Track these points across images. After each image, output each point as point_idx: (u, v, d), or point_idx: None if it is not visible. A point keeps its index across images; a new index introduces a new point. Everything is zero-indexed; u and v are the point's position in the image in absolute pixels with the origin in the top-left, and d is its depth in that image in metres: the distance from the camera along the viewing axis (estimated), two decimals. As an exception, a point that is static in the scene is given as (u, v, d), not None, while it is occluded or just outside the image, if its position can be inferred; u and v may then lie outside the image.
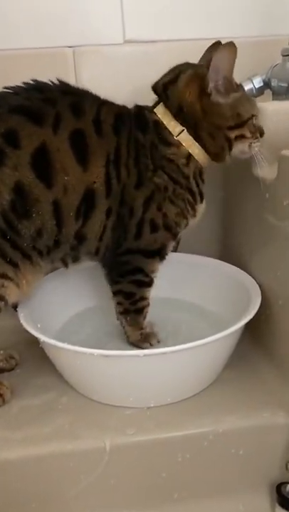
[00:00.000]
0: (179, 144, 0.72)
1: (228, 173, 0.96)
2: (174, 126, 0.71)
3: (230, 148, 0.73)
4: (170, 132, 0.71)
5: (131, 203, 0.71)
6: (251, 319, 0.71)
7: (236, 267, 0.88)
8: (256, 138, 0.74)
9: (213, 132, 0.71)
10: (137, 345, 0.81)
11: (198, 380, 0.73)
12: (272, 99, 0.89)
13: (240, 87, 0.73)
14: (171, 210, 0.73)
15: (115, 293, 0.78)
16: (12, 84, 0.69)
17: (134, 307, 0.78)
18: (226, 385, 0.74)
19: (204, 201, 0.77)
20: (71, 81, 0.91)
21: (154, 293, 0.80)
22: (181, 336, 0.84)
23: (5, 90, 0.68)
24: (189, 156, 0.73)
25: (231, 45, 0.67)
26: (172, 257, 0.80)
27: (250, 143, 0.73)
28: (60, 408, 0.72)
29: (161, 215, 0.73)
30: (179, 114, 0.71)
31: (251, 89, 0.88)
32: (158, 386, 0.70)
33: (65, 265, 0.76)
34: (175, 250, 0.81)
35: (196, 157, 0.73)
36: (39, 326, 0.74)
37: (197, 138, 0.72)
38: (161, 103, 0.73)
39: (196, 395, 0.72)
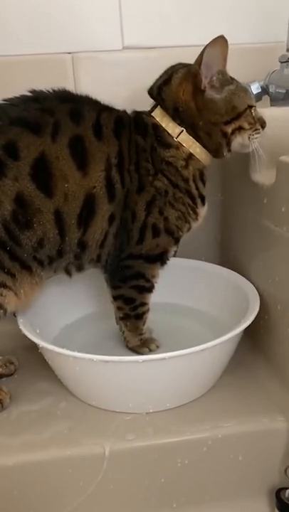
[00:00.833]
0: (178, 146, 0.72)
1: (227, 177, 0.96)
2: (173, 128, 0.72)
3: (229, 144, 0.72)
4: (169, 134, 0.72)
5: (133, 207, 0.71)
6: (250, 324, 0.71)
7: (235, 272, 0.88)
8: (256, 129, 0.73)
9: (210, 129, 0.71)
10: (135, 350, 0.81)
11: (197, 385, 0.73)
12: (271, 105, 0.89)
13: (234, 79, 0.72)
14: (172, 214, 0.73)
15: (116, 298, 0.78)
16: (11, 90, 0.69)
17: (135, 312, 0.78)
18: (225, 391, 0.74)
19: (206, 204, 0.77)
20: (70, 87, 0.91)
21: (153, 298, 0.80)
22: (180, 341, 0.83)
23: (3, 102, 0.68)
24: (188, 158, 0.73)
25: (221, 39, 0.66)
26: (171, 262, 0.80)
27: (250, 135, 0.72)
28: (59, 414, 0.72)
29: (162, 219, 0.73)
30: (176, 115, 0.71)
31: (249, 95, 0.89)
32: (157, 391, 0.70)
33: (69, 275, 0.76)
34: (174, 255, 0.81)
35: (197, 156, 0.73)
36: (38, 331, 0.74)
37: (197, 137, 0.72)
38: (158, 106, 0.73)
39: (195, 400, 0.72)
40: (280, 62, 0.86)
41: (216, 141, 0.72)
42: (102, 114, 0.70)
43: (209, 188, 0.80)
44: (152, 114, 0.73)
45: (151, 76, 0.76)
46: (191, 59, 0.75)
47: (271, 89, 0.87)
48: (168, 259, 0.77)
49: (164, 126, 0.72)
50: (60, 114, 0.67)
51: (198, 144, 0.72)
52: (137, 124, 0.72)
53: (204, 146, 0.73)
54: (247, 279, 0.84)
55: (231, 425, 0.68)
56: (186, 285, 0.94)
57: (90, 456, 0.66)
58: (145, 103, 0.75)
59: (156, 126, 0.72)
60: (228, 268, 0.90)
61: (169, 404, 0.71)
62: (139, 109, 0.75)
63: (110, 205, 0.70)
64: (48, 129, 0.66)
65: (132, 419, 0.69)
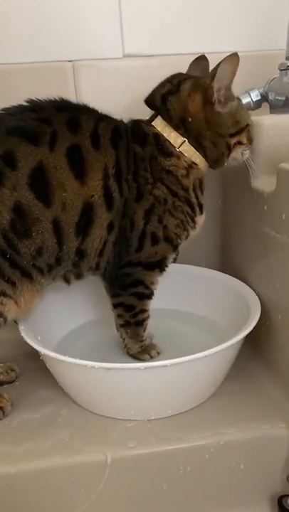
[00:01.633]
0: (179, 155, 0.73)
1: (227, 184, 0.97)
2: (175, 138, 0.72)
3: (229, 155, 0.75)
4: (171, 144, 0.72)
5: (132, 216, 0.71)
6: (251, 330, 0.72)
7: (235, 278, 0.88)
8: (248, 146, 0.76)
9: (216, 140, 0.73)
10: (136, 357, 0.81)
11: (199, 392, 0.73)
12: (270, 113, 0.90)
13: (234, 96, 0.74)
14: (171, 222, 0.74)
15: (116, 305, 0.78)
16: (13, 98, 0.70)
17: (135, 319, 0.78)
18: (227, 397, 0.74)
19: (204, 212, 0.78)
20: (71, 95, 0.93)
21: (154, 304, 0.80)
22: (182, 347, 0.84)
23: (0, 112, 0.69)
24: (189, 167, 0.74)
25: (235, 56, 0.68)
26: (171, 268, 0.80)
27: (243, 150, 0.76)
28: (61, 421, 0.72)
29: (161, 227, 0.73)
30: (180, 125, 0.72)
31: (249, 103, 0.89)
32: (159, 398, 0.70)
33: (67, 282, 0.76)
34: (174, 261, 0.82)
35: (198, 165, 0.74)
36: (39, 338, 0.74)
37: (199, 147, 0.73)
38: (159, 116, 0.73)
39: (196, 407, 0.72)
40: (279, 70, 0.86)
41: (219, 152, 0.74)
42: (99, 124, 0.70)
43: (209, 195, 0.81)
44: (153, 123, 0.73)
45: (152, 84, 0.76)
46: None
47: (271, 96, 0.88)
48: (167, 266, 0.78)
49: (165, 135, 0.72)
50: (57, 124, 0.68)
51: (198, 153, 0.73)
52: (134, 133, 0.73)
53: (204, 156, 0.74)
54: (248, 285, 0.84)
55: (233, 432, 0.68)
56: (186, 291, 0.94)
57: (91, 463, 0.66)
58: (146, 111, 0.76)
59: (158, 136, 0.72)
60: (229, 274, 0.90)
61: (170, 411, 0.71)
62: (140, 116, 0.75)
63: (109, 214, 0.70)
64: (45, 139, 0.66)
65: (133, 426, 0.69)
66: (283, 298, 0.73)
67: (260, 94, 0.89)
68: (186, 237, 0.77)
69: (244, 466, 0.69)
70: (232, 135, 0.74)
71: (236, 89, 0.82)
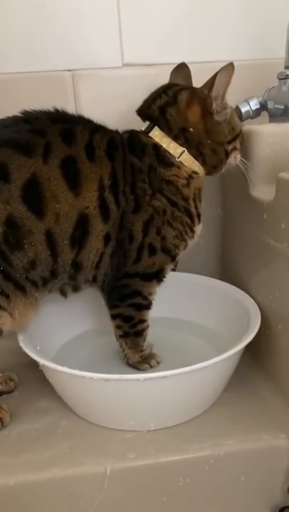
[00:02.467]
0: (180, 165, 0.73)
1: (227, 192, 0.97)
2: (174, 148, 0.72)
3: (226, 161, 0.76)
4: (171, 154, 0.72)
5: (130, 228, 0.71)
6: (251, 340, 0.71)
7: (235, 287, 0.88)
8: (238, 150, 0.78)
9: (216, 148, 0.74)
10: (136, 366, 0.80)
11: (199, 402, 0.72)
12: (269, 121, 0.90)
13: (227, 104, 0.75)
14: (170, 233, 0.74)
15: (114, 317, 0.78)
16: (12, 107, 0.70)
17: (134, 330, 0.78)
18: (227, 408, 0.74)
19: (201, 222, 0.78)
20: (70, 104, 0.93)
21: (153, 313, 0.80)
22: (181, 356, 0.84)
23: None
24: (190, 177, 0.74)
25: (231, 66, 0.69)
26: (171, 277, 0.80)
27: (235, 155, 0.77)
28: (60, 432, 0.71)
29: (160, 238, 0.73)
30: (180, 135, 0.72)
31: (248, 111, 0.90)
32: (158, 409, 0.69)
33: (64, 295, 0.76)
34: (174, 270, 0.81)
35: (199, 174, 0.74)
36: (38, 348, 0.73)
37: (198, 155, 0.73)
38: (156, 126, 0.73)
39: (196, 417, 0.72)
40: (278, 79, 0.86)
41: (218, 159, 0.75)
42: (94, 135, 0.70)
43: (209, 203, 0.81)
44: (150, 134, 0.73)
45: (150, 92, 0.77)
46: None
47: (270, 105, 0.88)
48: (164, 277, 0.77)
49: (164, 146, 0.72)
50: (51, 135, 0.67)
51: (197, 162, 0.74)
52: (131, 144, 0.73)
53: (204, 164, 0.74)
54: (248, 294, 0.84)
55: (233, 443, 0.67)
56: (186, 299, 0.94)
57: (91, 475, 0.65)
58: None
59: (157, 147, 0.72)
60: (229, 283, 0.90)
61: (170, 421, 0.70)
62: (140, 125, 0.75)
63: (105, 226, 0.70)
64: (39, 150, 0.66)
65: (133, 438, 0.69)
66: (283, 307, 0.73)
67: (259, 103, 0.89)
68: (185, 247, 0.77)
69: (244, 477, 0.68)
70: (229, 142, 0.75)
71: (236, 97, 0.84)
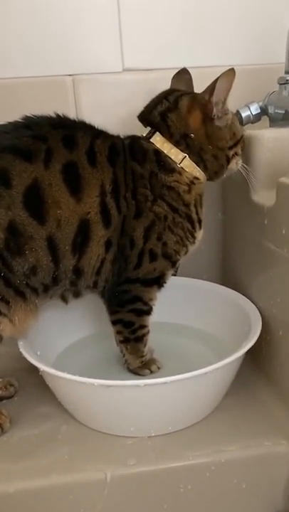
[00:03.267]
0: (181, 171, 0.73)
1: (227, 197, 0.97)
2: (176, 154, 0.72)
3: (227, 166, 0.76)
4: (172, 160, 0.72)
5: (131, 233, 0.71)
6: (252, 345, 0.71)
7: (236, 292, 0.87)
8: (240, 155, 0.78)
9: (217, 154, 0.74)
10: (137, 372, 0.80)
11: (199, 408, 0.72)
12: (269, 126, 0.90)
13: (228, 109, 0.75)
14: (171, 239, 0.73)
15: (115, 322, 0.78)
16: (13, 112, 0.70)
17: (134, 335, 0.78)
18: (227, 413, 0.73)
19: (202, 227, 0.78)
20: (71, 109, 0.93)
21: (154, 317, 0.80)
22: (182, 361, 0.83)
23: None
24: (191, 183, 0.74)
25: (232, 72, 0.69)
26: (172, 281, 0.79)
27: (237, 160, 0.77)
28: (60, 438, 0.71)
29: (160, 244, 0.73)
30: (181, 141, 0.72)
31: (248, 116, 0.90)
32: (159, 415, 0.69)
33: (65, 301, 0.76)
34: (174, 275, 0.81)
35: (200, 179, 0.74)
36: (38, 353, 0.73)
37: (200, 161, 0.73)
38: (157, 132, 0.73)
39: (197, 423, 0.72)
40: (278, 83, 0.86)
41: (220, 164, 0.75)
42: (96, 141, 0.70)
43: (210, 208, 0.81)
44: (151, 140, 0.73)
45: (152, 97, 0.76)
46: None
47: (270, 110, 0.88)
48: (165, 283, 0.77)
49: (165, 152, 0.72)
50: (52, 141, 0.67)
51: (198, 168, 0.74)
52: (133, 150, 0.72)
53: (205, 170, 0.74)
54: (248, 299, 0.84)
55: (234, 449, 0.67)
56: (187, 305, 0.93)
57: (91, 482, 0.65)
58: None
59: (158, 153, 0.72)
60: (230, 287, 0.90)
61: (170, 427, 0.70)
62: (140, 130, 0.75)
63: (106, 231, 0.69)
64: (40, 156, 0.66)
65: (133, 444, 0.69)
66: (284, 312, 0.73)
67: (260, 108, 0.89)
68: (185, 253, 0.77)
69: (246, 483, 0.68)
70: (230, 147, 0.75)
71: (236, 102, 0.83)
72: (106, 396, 0.67)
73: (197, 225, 0.76)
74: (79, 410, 0.73)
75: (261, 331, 0.74)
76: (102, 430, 0.71)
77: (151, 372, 0.80)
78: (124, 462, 0.66)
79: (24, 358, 0.71)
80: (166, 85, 0.80)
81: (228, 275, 0.99)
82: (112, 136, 0.73)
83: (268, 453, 0.68)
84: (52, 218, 0.66)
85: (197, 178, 0.74)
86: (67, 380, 0.66)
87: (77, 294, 0.75)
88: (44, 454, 0.68)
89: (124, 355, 0.81)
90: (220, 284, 0.93)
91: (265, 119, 0.90)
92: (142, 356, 0.80)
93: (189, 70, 0.81)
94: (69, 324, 0.89)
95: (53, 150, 0.67)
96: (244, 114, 0.89)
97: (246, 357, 0.73)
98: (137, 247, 0.72)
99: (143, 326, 0.78)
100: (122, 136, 0.75)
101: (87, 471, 0.65)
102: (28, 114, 0.70)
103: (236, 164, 0.77)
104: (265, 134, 0.79)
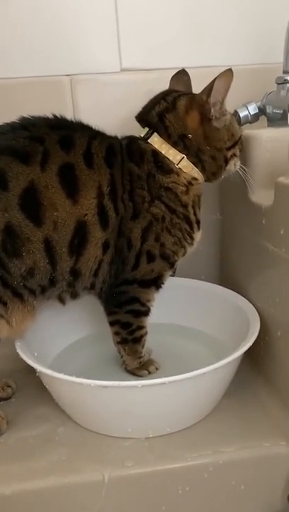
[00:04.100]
0: (179, 172, 0.73)
1: (225, 197, 0.97)
2: (174, 155, 0.72)
3: (225, 168, 0.76)
4: (170, 161, 0.72)
5: (128, 235, 0.71)
6: (250, 345, 0.71)
7: (234, 292, 0.87)
8: (238, 156, 0.78)
9: (215, 154, 0.74)
10: (134, 373, 0.80)
11: (198, 409, 0.72)
12: (268, 126, 0.90)
13: (226, 110, 0.75)
14: (169, 240, 0.73)
15: (112, 323, 0.77)
16: (10, 112, 0.70)
17: (132, 336, 0.77)
18: (226, 414, 0.73)
19: (200, 228, 0.78)
20: (68, 109, 0.93)
21: (152, 318, 0.79)
22: (180, 362, 0.83)
23: None
24: (189, 184, 0.73)
25: (229, 72, 0.69)
26: (170, 282, 0.79)
27: (235, 161, 0.77)
28: (57, 439, 0.70)
29: (158, 245, 0.73)
30: (179, 142, 0.72)
31: (247, 116, 0.90)
32: (157, 416, 0.69)
33: (62, 302, 0.75)
34: (172, 275, 0.81)
35: (198, 180, 0.74)
36: (36, 354, 0.73)
37: (198, 162, 0.73)
38: (155, 133, 0.73)
39: (195, 424, 0.71)
40: (276, 83, 0.86)
41: (218, 165, 0.75)
42: (93, 142, 0.70)
43: (208, 208, 0.81)
44: (149, 140, 0.73)
45: (150, 98, 0.76)
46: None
47: (268, 109, 0.88)
48: (163, 284, 0.77)
49: (163, 153, 0.72)
50: (49, 142, 0.67)
51: (196, 169, 0.73)
52: (130, 151, 0.72)
53: (203, 170, 0.74)
54: (247, 299, 0.83)
55: (232, 450, 0.67)
56: (185, 305, 0.93)
57: (88, 483, 0.64)
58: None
59: (156, 153, 0.72)
60: (228, 288, 0.89)
61: (169, 428, 0.70)
62: (138, 130, 0.75)
63: (103, 233, 0.69)
64: (37, 158, 0.66)
65: (131, 445, 0.68)
66: (283, 313, 0.73)
67: (258, 108, 0.89)
68: (183, 254, 0.77)
69: (244, 485, 0.68)
70: (228, 148, 0.74)
71: (234, 102, 0.83)
72: (103, 397, 0.66)
73: (195, 226, 0.76)
74: (76, 411, 0.73)
75: (259, 331, 0.74)
76: (99, 431, 0.71)
77: (150, 373, 0.80)
78: (122, 463, 0.65)
79: (21, 360, 0.71)
80: (164, 85, 0.80)
81: (226, 275, 0.99)
82: (109, 137, 0.73)
83: (267, 454, 0.67)
84: (48, 220, 0.66)
85: (195, 179, 0.74)
86: (64, 381, 0.66)
87: (74, 295, 0.75)
88: (41, 455, 0.67)
89: (122, 356, 0.80)
90: (218, 284, 0.93)
91: (263, 119, 0.90)
92: (140, 357, 0.79)
93: (187, 70, 0.81)
94: (66, 325, 0.88)
95: (50, 152, 0.67)
96: (242, 114, 0.89)
97: (245, 357, 0.73)
98: (134, 248, 0.71)
99: (141, 327, 0.77)
100: (119, 137, 0.75)
101: (84, 473, 0.65)
102: (25, 115, 0.70)
103: (234, 165, 0.77)
104: (263, 134, 0.79)
